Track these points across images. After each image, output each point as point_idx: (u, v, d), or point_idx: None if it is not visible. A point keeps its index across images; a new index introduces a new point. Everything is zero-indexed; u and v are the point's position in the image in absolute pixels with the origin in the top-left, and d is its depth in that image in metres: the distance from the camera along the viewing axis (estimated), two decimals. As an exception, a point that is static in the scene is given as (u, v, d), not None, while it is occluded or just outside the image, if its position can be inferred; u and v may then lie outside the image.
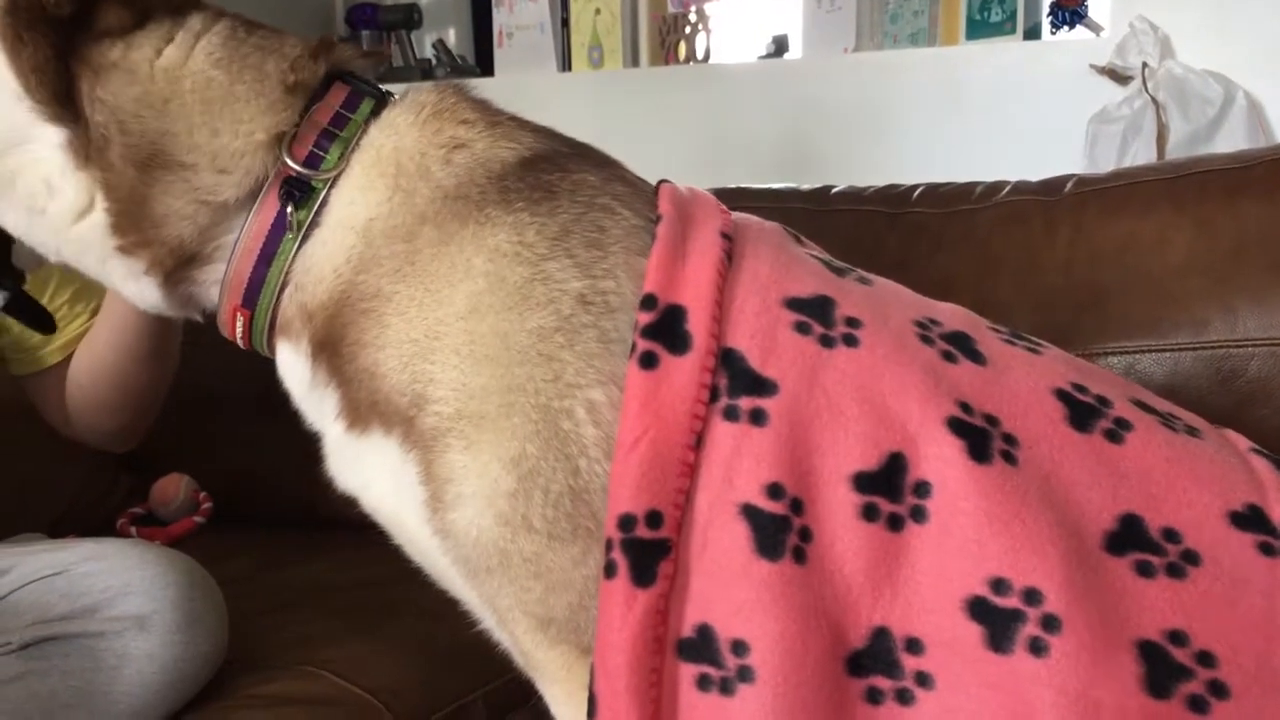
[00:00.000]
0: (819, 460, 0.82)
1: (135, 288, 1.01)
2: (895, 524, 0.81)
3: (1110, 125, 2.51)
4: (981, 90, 2.62)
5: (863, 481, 0.81)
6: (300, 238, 0.95)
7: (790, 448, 0.82)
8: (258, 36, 1.01)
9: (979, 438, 0.82)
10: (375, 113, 0.99)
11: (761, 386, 0.84)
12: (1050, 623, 0.77)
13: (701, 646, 0.81)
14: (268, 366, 1.93)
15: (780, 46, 3.00)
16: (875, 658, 0.79)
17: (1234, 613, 0.78)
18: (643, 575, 0.81)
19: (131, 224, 0.97)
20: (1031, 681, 0.77)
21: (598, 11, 3.07)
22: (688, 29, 3.02)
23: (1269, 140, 2.33)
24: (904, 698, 0.79)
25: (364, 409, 0.93)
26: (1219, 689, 0.76)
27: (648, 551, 0.81)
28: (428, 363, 0.89)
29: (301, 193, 0.95)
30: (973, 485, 0.80)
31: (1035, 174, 1.68)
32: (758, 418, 0.83)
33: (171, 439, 1.96)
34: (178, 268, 0.99)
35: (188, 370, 1.96)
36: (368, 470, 0.96)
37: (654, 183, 1.00)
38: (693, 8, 3.01)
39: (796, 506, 0.81)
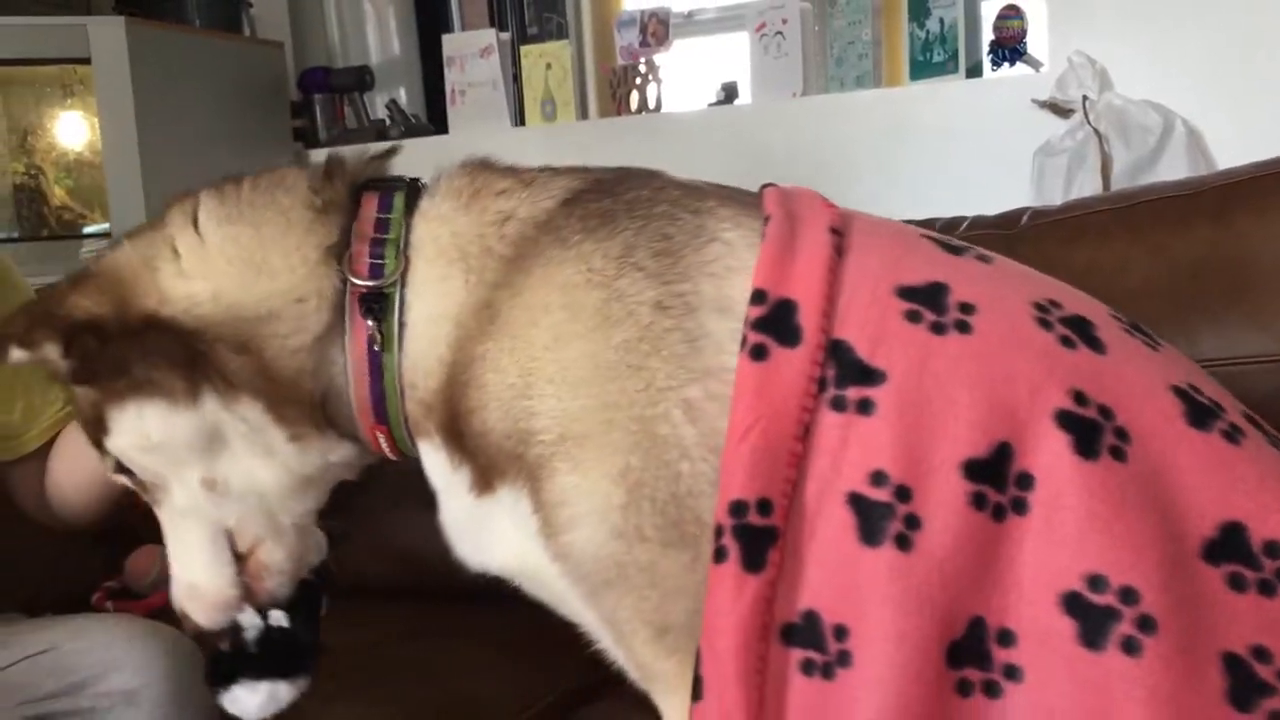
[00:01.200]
0: (929, 448, 0.83)
1: (333, 456, 1.04)
2: (999, 514, 0.81)
3: (1055, 158, 2.57)
4: (928, 129, 2.68)
5: (973, 469, 0.82)
6: (398, 343, 0.98)
7: (898, 435, 0.83)
8: (243, 184, 1.04)
9: (1088, 431, 0.83)
10: (409, 204, 1.02)
11: (869, 376, 0.85)
12: (1146, 623, 0.78)
13: (807, 632, 0.82)
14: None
15: (730, 93, 3.05)
16: (969, 649, 0.80)
17: None
18: (753, 561, 0.82)
19: (278, 407, 1.01)
20: (1121, 679, 0.78)
21: (549, 66, 3.11)
22: (638, 79, 3.06)
23: (1210, 166, 2.39)
24: (991, 690, 0.80)
25: (485, 472, 0.96)
26: None
27: (758, 538, 0.83)
28: (525, 400, 0.92)
29: (378, 304, 0.98)
30: (1078, 481, 0.81)
31: (984, 208, 1.72)
32: (865, 407, 0.85)
33: (145, 512, 1.94)
34: (313, 412, 1.02)
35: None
36: (495, 528, 0.97)
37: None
38: (641, 60, 3.06)
39: (903, 494, 0.83)
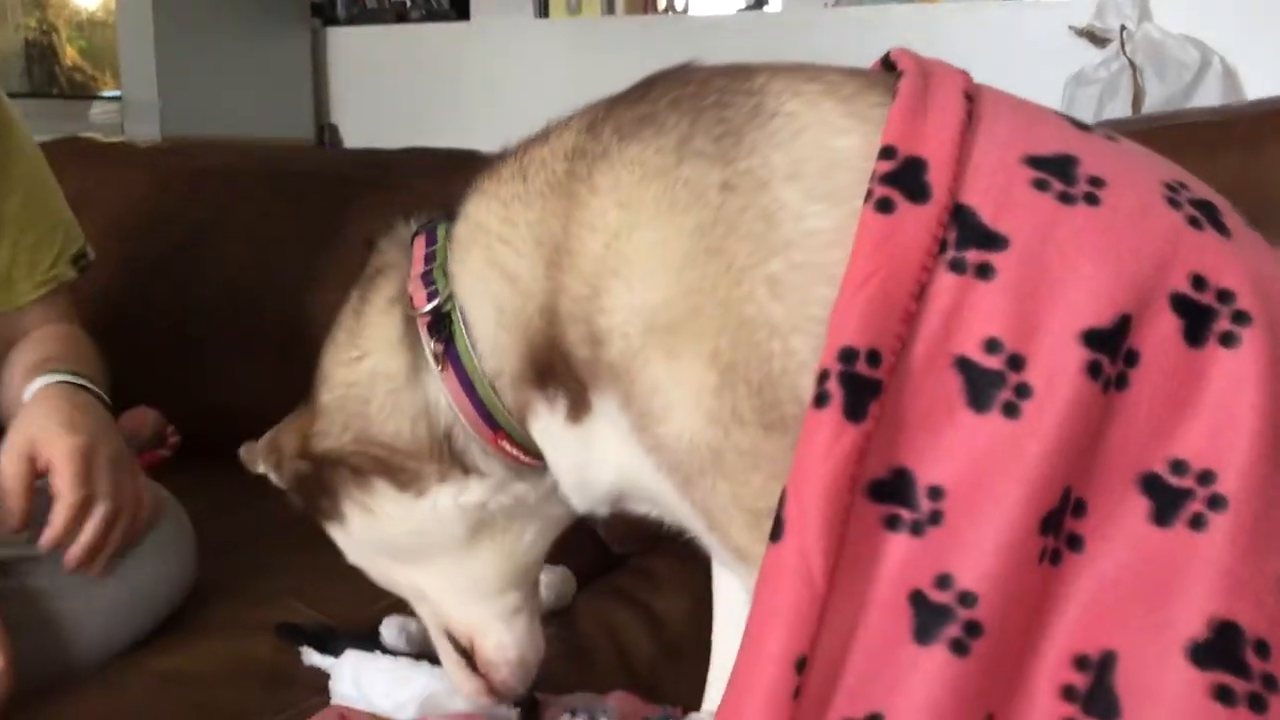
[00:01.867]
0: (1047, 314, 0.82)
1: (465, 497, 1.03)
2: (1107, 386, 0.81)
3: (1087, 87, 2.52)
4: (960, 49, 2.59)
5: (1093, 338, 0.81)
6: (471, 346, 0.98)
7: (1016, 303, 0.82)
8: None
9: (1200, 318, 0.82)
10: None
11: (991, 241, 0.84)
12: (1216, 501, 0.79)
13: (895, 489, 0.82)
14: (241, 303, 1.92)
15: (760, -1, 2.99)
16: (1055, 518, 0.80)
17: None
18: (855, 410, 0.81)
19: (396, 470, 1.03)
20: (1183, 551, 0.78)
21: (577, -43, 3.04)
22: (667, -22, 3.00)
23: (1243, 106, 2.34)
24: (1055, 558, 0.81)
25: (578, 396, 0.94)
26: None
27: (863, 387, 0.81)
28: (596, 303, 0.91)
29: (443, 325, 0.99)
30: (1177, 367, 0.81)
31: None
32: (984, 272, 0.83)
33: (141, 372, 1.94)
34: (452, 458, 1.02)
35: (159, 305, 1.95)
36: (595, 454, 0.96)
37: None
38: (673, -43, 2.99)
39: (1015, 362, 0.81)
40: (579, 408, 0.96)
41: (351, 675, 1.14)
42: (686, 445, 0.89)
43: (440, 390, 1.00)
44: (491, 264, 0.98)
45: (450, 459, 1.03)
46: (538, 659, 1.09)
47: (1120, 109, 2.47)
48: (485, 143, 1.98)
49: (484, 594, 1.08)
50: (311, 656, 1.22)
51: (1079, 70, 2.53)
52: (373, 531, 1.07)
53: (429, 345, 1.00)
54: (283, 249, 1.90)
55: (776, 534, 0.81)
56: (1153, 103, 2.45)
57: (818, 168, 0.88)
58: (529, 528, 1.07)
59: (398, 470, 1.03)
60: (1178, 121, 1.47)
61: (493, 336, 0.99)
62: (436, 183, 1.89)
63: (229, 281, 1.91)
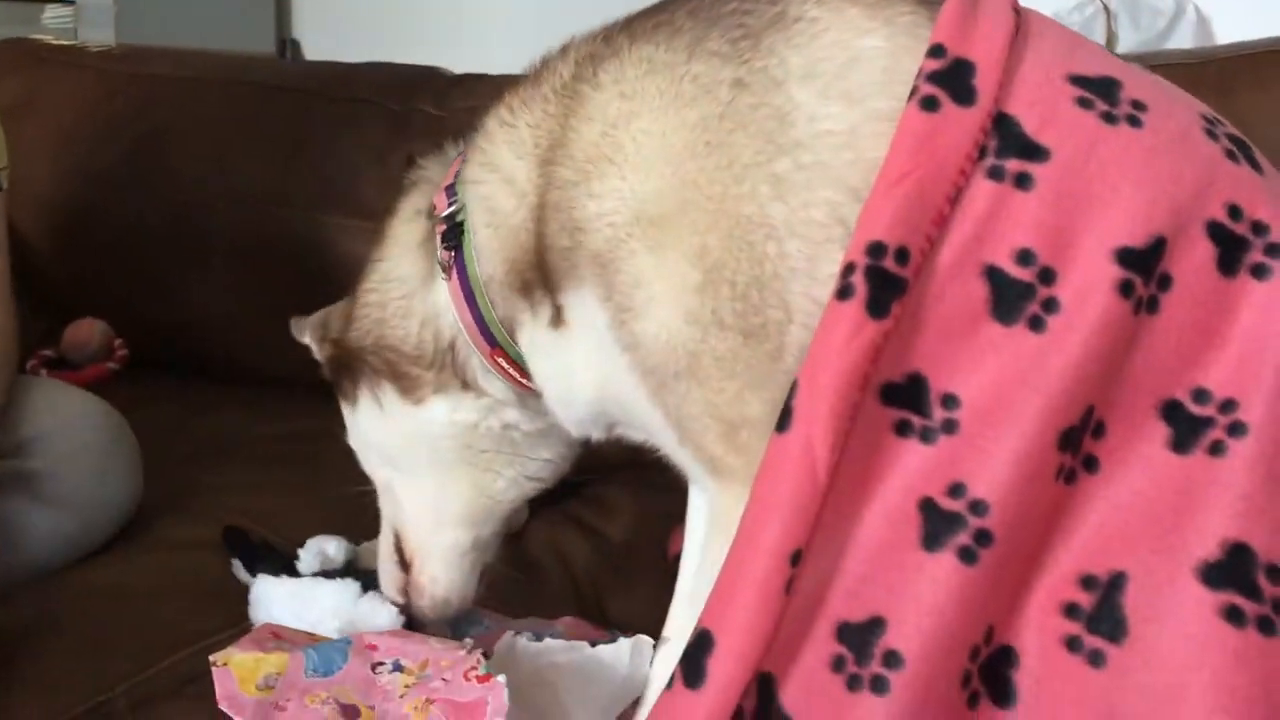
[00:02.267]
0: (1083, 230, 0.81)
1: (472, 416, 1.05)
2: (1138, 307, 0.81)
3: (1060, 30, 2.50)
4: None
5: (1127, 257, 0.80)
6: (476, 261, 0.98)
7: (1052, 216, 0.81)
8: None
9: (1234, 247, 0.82)
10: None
11: (1033, 152, 0.83)
12: (1236, 428, 0.79)
13: (909, 394, 0.81)
14: (194, 216, 1.87)
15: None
16: (1075, 436, 0.80)
17: None
18: (877, 306, 0.80)
19: (400, 375, 1.05)
20: (1200, 478, 0.79)
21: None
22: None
23: (1216, 54, 2.32)
24: (1070, 477, 0.81)
25: (559, 291, 0.94)
26: None
27: (888, 284, 0.80)
28: (585, 188, 0.89)
29: (456, 234, 1.00)
30: (1208, 295, 0.81)
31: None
32: (1023, 181, 0.82)
33: (88, 284, 1.90)
34: (454, 371, 1.03)
35: (108, 215, 1.90)
36: (574, 358, 0.95)
37: None
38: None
39: (1046, 276, 0.81)
40: (558, 318, 0.95)
41: (259, 601, 1.13)
42: (664, 345, 0.87)
43: (448, 300, 1.01)
44: (489, 167, 0.98)
45: (451, 371, 1.04)
46: (462, 607, 1.11)
47: (1093, 51, 2.45)
48: (449, 59, 1.95)
49: (443, 522, 1.09)
50: (240, 571, 1.20)
51: (1053, 13, 2.50)
52: (374, 426, 1.09)
53: (440, 252, 1.00)
54: (239, 162, 1.85)
55: (783, 424, 0.80)
56: (1126, 48, 2.44)
57: (835, 66, 0.87)
58: (508, 469, 1.07)
59: (402, 376, 1.05)
60: (1149, 64, 1.45)
61: (486, 242, 0.98)
62: (400, 98, 1.87)
63: (182, 194, 1.86)
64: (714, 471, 0.90)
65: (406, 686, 0.97)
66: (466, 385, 1.04)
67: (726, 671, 0.77)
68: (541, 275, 0.95)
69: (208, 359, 1.86)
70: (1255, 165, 0.87)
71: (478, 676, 0.96)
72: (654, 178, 0.87)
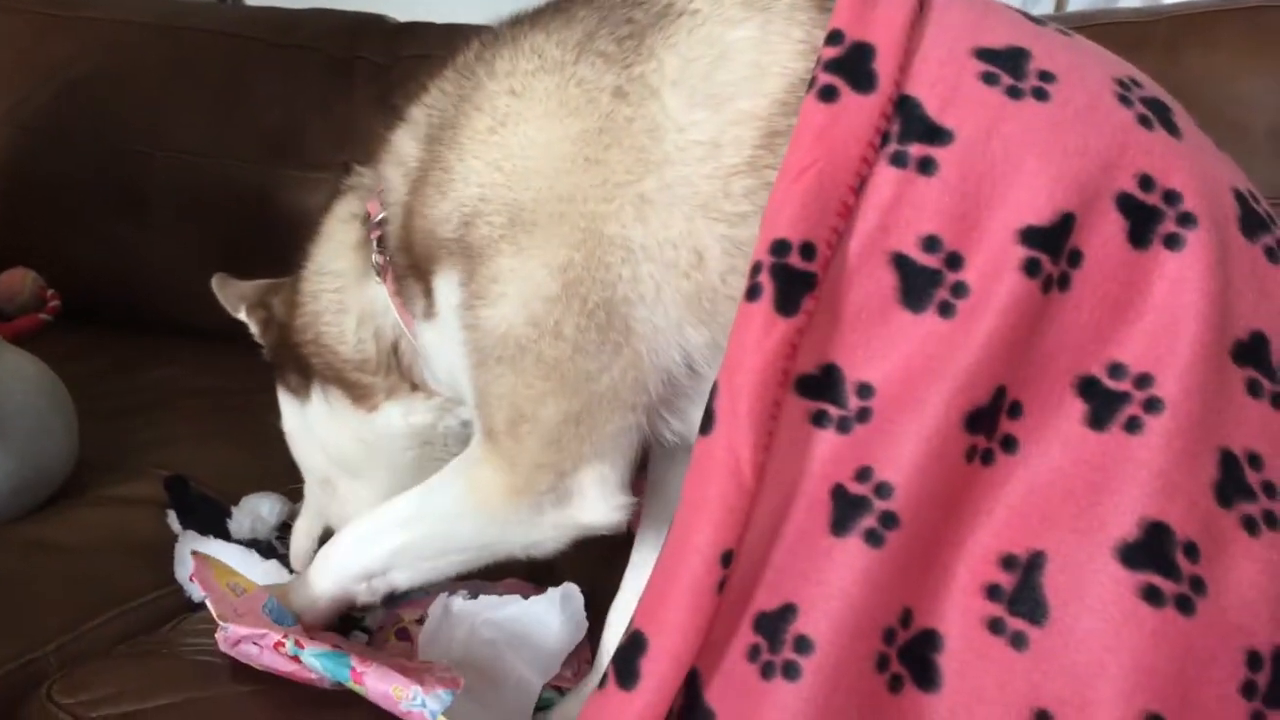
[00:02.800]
0: (988, 212, 0.81)
1: (414, 417, 1.04)
2: (1047, 286, 0.80)
3: (1013, -16, 2.48)
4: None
5: (1032, 237, 0.80)
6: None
7: (957, 199, 0.81)
8: None
9: (1145, 219, 0.81)
10: None
11: (936, 135, 0.82)
12: (1153, 404, 0.78)
13: (825, 385, 0.81)
14: (129, 164, 1.83)
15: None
16: (985, 417, 0.79)
17: None
18: (787, 304, 0.79)
19: (350, 385, 1.05)
20: (1117, 454, 0.78)
21: None
22: None
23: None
24: (987, 458, 0.80)
25: (430, 278, 0.95)
26: (1271, 519, 0.79)
27: (796, 281, 0.80)
28: (469, 185, 0.90)
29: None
30: (1119, 269, 0.80)
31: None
32: (926, 166, 0.81)
33: (18, 232, 1.85)
34: (401, 374, 1.04)
35: (39, 161, 1.84)
36: (442, 346, 0.96)
37: None
38: None
39: (953, 261, 0.81)
40: (432, 303, 0.96)
41: (183, 561, 1.12)
42: (500, 334, 0.89)
43: (387, 302, 1.01)
44: (393, 153, 0.99)
45: (399, 374, 1.04)
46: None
47: (1046, 5, 2.44)
48: (393, 6, 1.91)
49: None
50: (174, 523, 1.19)
51: (1004, -31, 2.49)
52: (326, 428, 1.08)
53: (374, 256, 1.00)
54: (177, 110, 1.81)
55: (706, 427, 0.80)
56: (1077, 6, 2.43)
57: (704, 66, 0.86)
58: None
59: (353, 385, 1.05)
60: (1098, 21, 1.45)
61: (392, 231, 0.98)
62: (343, 45, 1.83)
63: (118, 141, 1.81)
64: (489, 439, 0.93)
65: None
66: (416, 387, 1.04)
67: (660, 672, 0.77)
68: (418, 258, 0.96)
69: (145, 310, 1.82)
70: (1172, 129, 0.85)
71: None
72: (532, 188, 0.88)
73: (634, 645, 0.78)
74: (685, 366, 0.88)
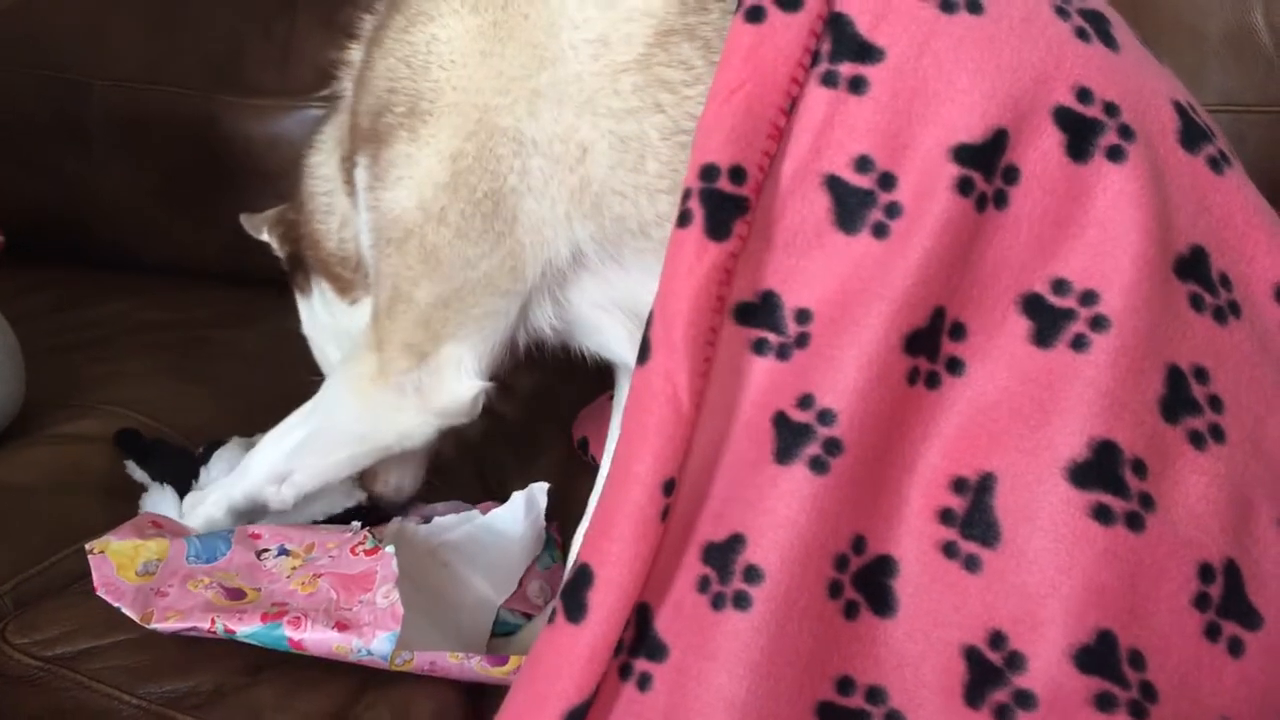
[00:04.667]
0: (920, 130, 0.80)
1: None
2: (981, 204, 0.79)
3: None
4: None
5: (963, 154, 0.79)
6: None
7: (889, 118, 0.80)
8: None
9: (1084, 132, 0.80)
10: None
11: (867, 53, 0.81)
12: (1099, 322, 0.78)
13: (763, 312, 0.81)
14: (69, 92, 1.77)
15: None
16: (926, 339, 0.79)
17: (1249, 374, 0.81)
18: (718, 229, 0.79)
19: (334, 277, 1.14)
20: (1064, 374, 0.78)
21: None
22: None
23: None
24: (932, 381, 0.80)
25: (351, 165, 1.03)
26: (1217, 432, 0.80)
27: (726, 206, 0.79)
28: (381, 74, 0.96)
29: None
30: (1059, 183, 0.80)
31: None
32: (857, 86, 0.80)
33: (-45, 166, 1.80)
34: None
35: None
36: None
37: None
38: None
39: (886, 181, 0.80)
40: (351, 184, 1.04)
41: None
42: (392, 217, 0.95)
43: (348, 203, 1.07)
44: (349, 63, 1.07)
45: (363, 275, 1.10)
46: (414, 489, 1.15)
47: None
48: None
49: None
50: (135, 471, 1.17)
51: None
52: (323, 318, 1.17)
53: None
54: (115, 36, 1.75)
55: (644, 356, 0.80)
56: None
57: None
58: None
59: (336, 278, 1.13)
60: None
61: (344, 131, 1.05)
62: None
63: (54, 69, 1.76)
64: (372, 321, 1.00)
65: (293, 569, 0.97)
66: None
67: (607, 604, 0.76)
68: (350, 150, 1.03)
69: (89, 244, 1.78)
70: (1109, 41, 0.85)
71: (365, 550, 0.96)
72: (431, 80, 0.93)
73: (580, 578, 0.78)
74: (572, 258, 0.92)
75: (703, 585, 0.78)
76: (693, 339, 0.78)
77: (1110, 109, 0.81)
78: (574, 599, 0.77)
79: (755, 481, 0.78)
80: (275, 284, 1.31)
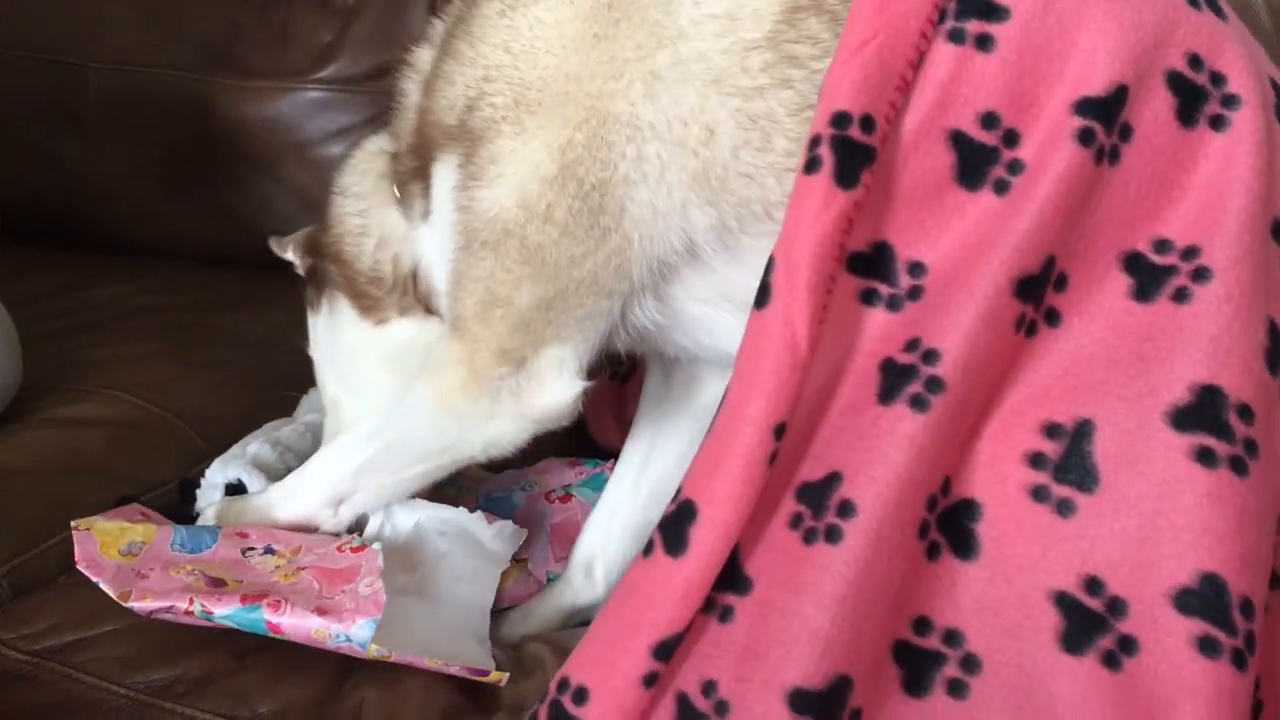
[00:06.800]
0: (1045, 88, 0.81)
1: (427, 338, 1.04)
2: (1099, 156, 0.80)
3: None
4: None
5: (1086, 107, 0.79)
6: None
7: (1014, 76, 0.81)
8: None
9: (1193, 98, 0.81)
10: None
11: (992, 11, 0.81)
12: (1201, 273, 0.79)
13: (875, 263, 0.81)
14: (61, 74, 1.77)
15: None
16: (1035, 286, 0.80)
17: None
18: (846, 177, 0.79)
19: (360, 295, 1.07)
20: (1166, 324, 0.79)
21: None
22: None
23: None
24: (1031, 329, 0.81)
25: (426, 175, 0.97)
26: None
27: (856, 154, 0.79)
28: (481, 68, 0.91)
29: None
30: (1167, 146, 0.80)
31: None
32: (984, 43, 0.81)
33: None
34: (416, 297, 1.04)
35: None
36: (432, 232, 0.97)
37: None
38: None
39: (1010, 138, 0.81)
40: (428, 200, 0.96)
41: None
42: (489, 217, 0.89)
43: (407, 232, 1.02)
44: (411, 67, 1.02)
45: (414, 297, 1.05)
46: None
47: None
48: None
49: None
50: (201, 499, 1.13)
51: None
52: (327, 335, 1.11)
53: (396, 189, 1.02)
54: (110, 19, 1.75)
55: (762, 300, 0.80)
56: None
57: None
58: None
59: (361, 295, 1.07)
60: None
61: (403, 138, 1.00)
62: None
63: (50, 51, 1.75)
64: (453, 326, 0.93)
65: (277, 567, 0.95)
66: (430, 311, 1.04)
67: (709, 540, 0.77)
68: (422, 155, 0.96)
69: (85, 228, 1.78)
70: (1218, 11, 0.86)
71: (352, 549, 0.95)
72: (539, 67, 0.88)
73: (683, 513, 0.78)
74: (684, 250, 0.89)
75: (795, 522, 0.78)
76: (815, 285, 0.78)
77: (1216, 78, 0.82)
78: (675, 532, 0.78)
79: (856, 422, 0.79)
80: (272, 267, 1.30)
